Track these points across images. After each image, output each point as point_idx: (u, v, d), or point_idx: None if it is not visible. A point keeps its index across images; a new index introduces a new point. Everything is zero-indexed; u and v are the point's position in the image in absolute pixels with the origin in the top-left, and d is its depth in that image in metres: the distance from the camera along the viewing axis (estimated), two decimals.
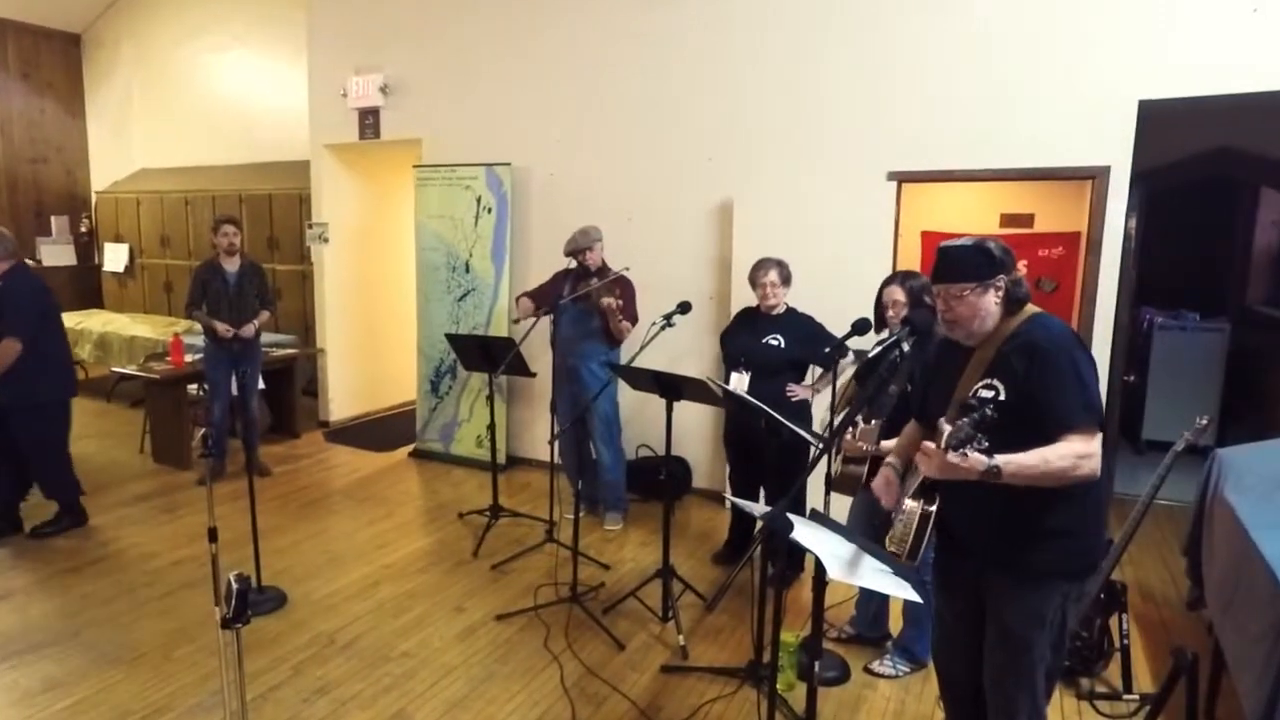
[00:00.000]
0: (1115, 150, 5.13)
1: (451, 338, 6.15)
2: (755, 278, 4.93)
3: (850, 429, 3.79)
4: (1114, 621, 3.99)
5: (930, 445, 2.46)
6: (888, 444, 3.49)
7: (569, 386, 5.85)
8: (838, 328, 4.17)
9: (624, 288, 5.65)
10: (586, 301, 5.62)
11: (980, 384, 2.61)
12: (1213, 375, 7.61)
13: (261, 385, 7.27)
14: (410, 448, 7.86)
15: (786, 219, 5.90)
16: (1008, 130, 5.38)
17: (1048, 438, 2.46)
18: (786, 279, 4.94)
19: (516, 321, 5.79)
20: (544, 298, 5.81)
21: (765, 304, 4.94)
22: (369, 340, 9.05)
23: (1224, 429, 7.10)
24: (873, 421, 3.77)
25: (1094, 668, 4.00)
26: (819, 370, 4.99)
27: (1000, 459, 2.37)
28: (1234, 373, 7.64)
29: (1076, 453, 2.44)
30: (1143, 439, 7.78)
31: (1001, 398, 2.54)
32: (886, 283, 4.12)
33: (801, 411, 4.84)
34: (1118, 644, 3.98)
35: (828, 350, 4.14)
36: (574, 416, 5.57)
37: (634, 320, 5.69)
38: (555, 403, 5.74)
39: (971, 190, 6.55)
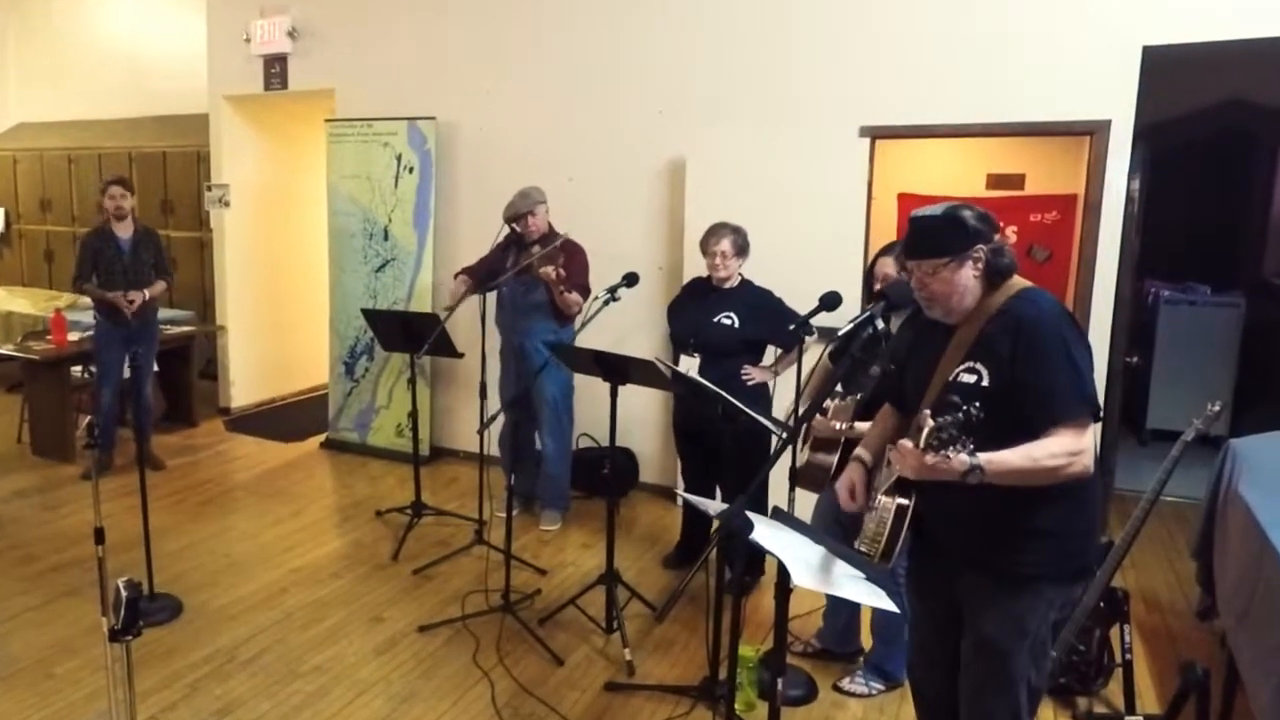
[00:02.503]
0: (1116, 103, 5.13)
1: (368, 314, 6.16)
2: (706, 245, 4.91)
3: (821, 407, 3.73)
4: (1115, 633, 3.98)
5: (906, 444, 2.43)
6: (863, 426, 3.49)
7: (516, 367, 5.81)
8: (803, 301, 4.12)
9: (570, 254, 5.56)
10: (527, 274, 5.52)
11: (961, 367, 2.61)
12: (1225, 356, 7.66)
13: (154, 368, 7.23)
14: (322, 438, 7.86)
15: (746, 180, 5.85)
16: (996, 80, 5.36)
17: (1034, 429, 2.45)
18: (742, 249, 4.91)
19: (451, 308, 5.66)
20: (484, 273, 5.68)
21: (716, 276, 4.92)
22: (275, 317, 9.01)
23: (1238, 417, 7.12)
24: (848, 397, 3.72)
25: (1093, 685, 4.01)
26: (778, 351, 4.98)
27: (983, 458, 2.36)
28: (1249, 353, 7.69)
29: (1067, 450, 2.44)
30: (1147, 428, 7.84)
31: (984, 383, 2.55)
32: (881, 253, 4.10)
33: (759, 397, 4.84)
34: (1119, 658, 3.96)
35: (792, 328, 4.13)
36: (511, 398, 5.47)
37: (585, 292, 5.64)
38: (484, 387, 5.62)
39: (955, 148, 6.59)
